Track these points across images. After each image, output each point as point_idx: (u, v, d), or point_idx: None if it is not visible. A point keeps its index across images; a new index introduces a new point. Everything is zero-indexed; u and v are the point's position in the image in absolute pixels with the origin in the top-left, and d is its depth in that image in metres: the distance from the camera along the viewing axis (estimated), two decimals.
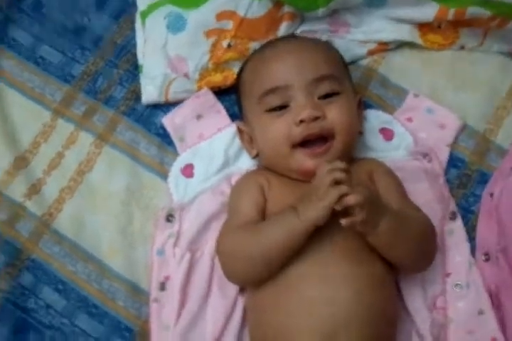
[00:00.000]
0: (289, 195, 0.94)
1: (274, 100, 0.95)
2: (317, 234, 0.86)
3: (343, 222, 0.82)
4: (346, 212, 0.83)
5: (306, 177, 0.93)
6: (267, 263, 0.87)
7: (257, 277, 0.90)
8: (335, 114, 0.94)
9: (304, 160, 0.94)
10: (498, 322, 0.93)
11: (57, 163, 1.10)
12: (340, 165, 0.84)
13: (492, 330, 0.93)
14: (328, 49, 1.03)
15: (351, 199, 0.81)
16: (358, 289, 0.85)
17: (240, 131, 1.04)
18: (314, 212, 0.84)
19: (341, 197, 0.82)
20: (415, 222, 0.90)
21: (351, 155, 1.02)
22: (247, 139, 1.03)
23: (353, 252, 0.88)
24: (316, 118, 0.92)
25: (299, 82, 0.94)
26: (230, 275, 0.93)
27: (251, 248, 0.88)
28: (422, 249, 0.92)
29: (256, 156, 1.04)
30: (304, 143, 0.94)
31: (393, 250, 0.88)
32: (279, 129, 0.94)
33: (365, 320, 0.85)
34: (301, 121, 0.92)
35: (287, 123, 0.94)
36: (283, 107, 0.95)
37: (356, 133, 1.00)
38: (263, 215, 0.94)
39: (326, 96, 0.95)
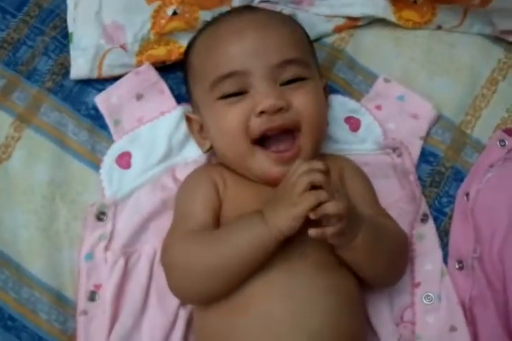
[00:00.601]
0: (248, 196, 0.87)
1: (230, 86, 0.87)
2: (284, 245, 0.78)
3: (313, 232, 0.74)
4: (317, 220, 0.75)
5: (271, 183, 0.86)
6: (227, 278, 0.79)
7: (212, 294, 0.81)
8: (301, 103, 0.86)
9: (268, 166, 0.86)
10: (471, 340, 0.90)
11: None
12: (319, 165, 0.76)
13: None
14: (293, 26, 0.95)
15: (331, 208, 0.74)
16: (326, 311, 0.79)
17: (188, 119, 0.97)
18: (285, 220, 0.75)
19: (319, 204, 0.74)
20: (389, 234, 0.86)
21: (319, 151, 0.95)
22: (198, 129, 0.95)
23: (324, 268, 0.81)
24: (280, 110, 0.84)
25: (259, 67, 0.86)
26: (179, 292, 0.85)
27: (209, 259, 0.79)
28: (395, 264, 0.88)
29: (209, 150, 0.96)
30: (266, 138, 0.87)
31: (365, 265, 0.83)
32: (235, 119, 0.86)
33: (333, 338, 0.79)
34: (262, 112, 0.84)
35: (244, 111, 0.86)
36: (240, 93, 0.87)
37: (325, 126, 0.94)
38: (218, 221, 0.86)
39: (290, 81, 0.87)
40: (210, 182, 0.89)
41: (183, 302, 0.90)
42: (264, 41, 0.87)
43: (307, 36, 0.96)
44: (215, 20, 0.96)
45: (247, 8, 0.99)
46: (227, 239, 0.80)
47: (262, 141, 0.87)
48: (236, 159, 0.89)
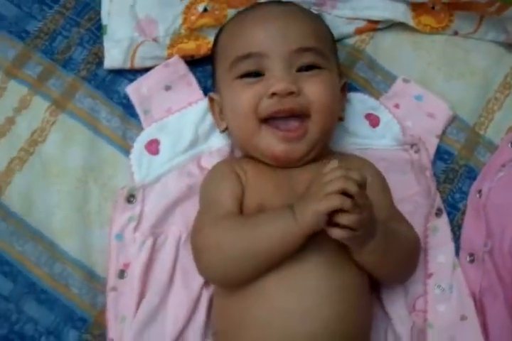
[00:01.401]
0: (268, 184, 0.90)
1: (248, 66, 0.90)
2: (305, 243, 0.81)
3: (333, 232, 0.77)
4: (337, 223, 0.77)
5: (276, 162, 0.90)
6: (254, 265, 0.81)
7: (237, 277, 0.83)
8: (313, 90, 0.89)
9: (273, 142, 0.89)
10: (481, 329, 0.92)
11: (7, 129, 1.03)
12: (357, 176, 0.77)
13: (475, 338, 0.92)
14: (318, 20, 0.98)
15: (344, 219, 0.75)
16: (335, 303, 0.82)
17: (211, 100, 0.99)
18: (311, 215, 0.76)
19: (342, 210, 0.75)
20: (401, 239, 0.87)
21: (329, 146, 0.98)
22: (218, 111, 0.98)
23: (335, 262, 0.83)
24: (291, 93, 0.87)
25: (278, 50, 0.89)
26: (207, 273, 0.87)
27: (239, 245, 0.81)
28: (404, 267, 0.91)
29: (225, 130, 0.99)
30: (275, 119, 0.89)
31: (375, 267, 0.86)
32: (248, 99, 0.89)
33: (342, 336, 0.82)
34: (274, 94, 0.87)
35: (258, 93, 0.89)
36: (257, 75, 0.90)
37: (335, 117, 0.95)
38: (240, 208, 0.89)
39: (308, 69, 0.90)
40: (232, 173, 0.91)
41: (209, 283, 0.92)
42: (286, 28, 0.90)
43: (330, 34, 0.99)
44: (244, 10, 1.00)
45: (276, 1, 1.02)
46: (259, 228, 0.81)
47: (270, 122, 0.89)
48: (245, 137, 0.92)
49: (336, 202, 0.75)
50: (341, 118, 0.99)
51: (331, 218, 0.76)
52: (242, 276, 0.83)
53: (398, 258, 0.86)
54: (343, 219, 0.75)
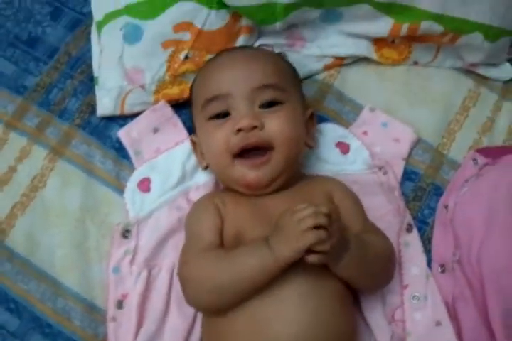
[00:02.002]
0: (244, 212, 0.90)
1: (215, 108, 0.91)
2: None
3: (309, 259, 0.77)
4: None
5: (250, 190, 0.91)
6: (233, 295, 0.81)
7: (219, 306, 0.83)
8: (274, 125, 0.89)
9: (244, 172, 0.90)
10: (455, 333, 0.91)
11: (9, 177, 1.03)
12: (324, 209, 0.78)
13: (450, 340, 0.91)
14: (276, 59, 0.99)
15: (325, 247, 0.77)
16: (315, 309, 0.81)
17: (193, 142, 1.00)
18: (289, 252, 0.77)
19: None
20: (375, 250, 0.87)
21: (300, 169, 0.99)
22: (200, 151, 0.99)
23: (314, 273, 0.82)
24: (255, 128, 0.88)
25: (239, 90, 0.90)
26: (192, 302, 0.87)
27: (218, 277, 0.81)
28: (382, 275, 0.90)
29: (206, 168, 0.99)
30: (245, 153, 0.90)
31: (354, 279, 0.85)
32: (220, 138, 0.90)
33: (321, 339, 0.80)
34: (239, 130, 0.88)
35: (227, 132, 0.90)
36: (226, 115, 0.91)
37: (299, 146, 0.94)
38: (221, 236, 0.88)
39: (270, 105, 0.91)
40: (212, 206, 0.91)
41: (196, 310, 0.91)
42: (247, 69, 0.92)
43: (292, 69, 1.00)
44: (213, 58, 1.01)
45: (239, 47, 1.04)
46: (237, 261, 0.81)
47: (241, 154, 0.90)
48: (221, 171, 0.93)
49: (314, 238, 0.76)
50: (310, 146, 0.99)
51: None
52: (224, 304, 0.82)
53: (374, 267, 0.86)
54: (318, 248, 0.76)
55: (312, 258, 0.77)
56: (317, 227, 0.76)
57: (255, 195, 0.92)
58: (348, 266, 0.82)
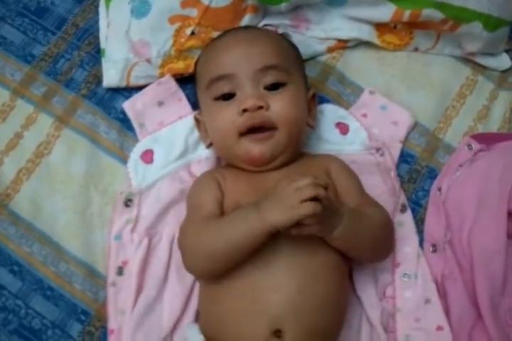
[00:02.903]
0: (244, 186, 0.91)
1: (221, 88, 0.92)
2: None
3: (294, 231, 0.78)
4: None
5: (254, 164, 0.91)
6: (225, 260, 0.82)
7: (214, 271, 0.85)
8: (278, 106, 0.90)
9: (249, 146, 0.90)
10: (443, 311, 0.93)
11: (16, 143, 1.03)
12: (323, 182, 0.78)
13: (438, 318, 0.92)
14: (280, 40, 0.99)
15: (313, 221, 0.77)
16: (305, 277, 0.82)
17: (196, 120, 1.00)
18: (280, 218, 0.77)
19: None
20: (373, 221, 0.87)
21: (301, 148, 0.99)
22: (203, 129, 0.99)
23: (305, 241, 0.83)
24: (260, 108, 0.89)
25: (244, 71, 0.90)
26: (190, 269, 0.88)
27: (213, 242, 0.82)
28: (380, 246, 0.91)
29: (210, 146, 1.00)
30: (250, 131, 0.90)
31: (350, 249, 0.86)
32: (225, 118, 0.91)
33: (311, 307, 0.81)
34: (245, 111, 0.89)
35: (233, 112, 0.90)
36: (231, 96, 0.91)
37: (301, 126, 0.95)
38: (222, 209, 0.90)
39: (274, 86, 0.91)
40: (213, 181, 0.92)
41: (194, 276, 0.92)
42: (251, 50, 0.92)
43: (295, 50, 1.00)
44: (217, 37, 1.01)
45: (244, 27, 1.04)
46: (227, 228, 0.82)
47: (247, 132, 0.90)
48: (226, 148, 0.93)
49: (310, 210, 0.76)
50: (311, 126, 1.00)
51: None
52: (219, 270, 0.84)
53: (370, 237, 0.87)
54: (307, 220, 0.77)
55: (297, 231, 0.78)
56: (313, 199, 0.76)
57: (257, 171, 0.93)
58: (343, 237, 0.82)
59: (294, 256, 0.83)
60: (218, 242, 0.82)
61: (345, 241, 0.84)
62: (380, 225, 0.89)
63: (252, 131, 0.90)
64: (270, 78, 0.91)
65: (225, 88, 0.91)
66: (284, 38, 1.03)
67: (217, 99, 0.93)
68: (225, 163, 1.01)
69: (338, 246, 0.85)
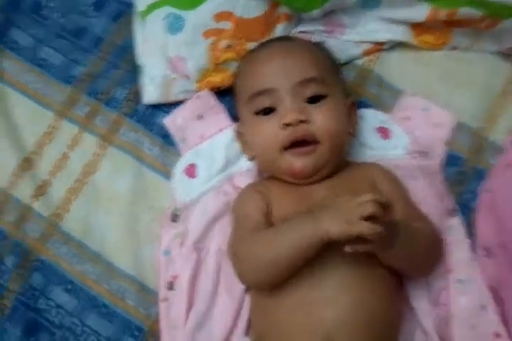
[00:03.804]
0: (288, 198, 0.90)
1: (262, 102, 0.91)
2: None
3: (348, 248, 0.76)
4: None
5: (296, 177, 0.90)
6: (280, 270, 0.81)
7: (270, 282, 0.83)
8: (319, 119, 0.89)
9: (292, 160, 0.89)
10: (500, 317, 0.89)
11: (63, 164, 1.05)
12: (383, 200, 0.77)
13: (494, 325, 0.89)
14: (316, 50, 0.98)
15: (374, 238, 0.75)
16: (358, 291, 0.81)
17: (237, 133, 1.00)
18: (338, 227, 0.75)
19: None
20: (423, 236, 0.85)
21: (344, 157, 0.98)
22: (244, 141, 0.98)
23: (358, 259, 0.81)
24: (302, 122, 0.88)
25: (284, 84, 0.90)
26: (243, 280, 0.88)
27: (264, 255, 0.81)
28: (431, 262, 0.89)
29: (253, 159, 0.99)
30: (292, 145, 0.89)
31: (402, 267, 0.85)
32: (267, 133, 0.90)
33: (365, 322, 0.80)
34: (287, 125, 0.88)
35: (274, 126, 0.89)
36: (272, 110, 0.91)
37: (344, 138, 0.94)
38: (269, 220, 0.88)
39: (314, 99, 0.90)
40: (256, 193, 0.91)
41: (248, 288, 0.92)
42: (289, 63, 0.91)
43: (331, 58, 0.99)
44: (253, 50, 1.00)
45: (279, 38, 1.03)
46: (279, 237, 0.81)
47: (290, 146, 0.89)
48: (269, 163, 0.92)
49: (367, 229, 0.74)
50: (352, 134, 0.98)
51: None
52: (273, 280, 0.83)
53: (422, 255, 0.85)
54: (368, 238, 0.75)
55: (352, 248, 0.75)
56: (372, 217, 0.74)
57: (300, 183, 0.92)
58: (398, 255, 0.80)
59: (346, 270, 0.81)
60: (270, 252, 0.81)
61: (399, 258, 0.82)
62: (430, 240, 0.87)
63: (294, 144, 0.89)
64: (310, 91, 0.90)
65: (265, 102, 0.91)
66: (320, 46, 1.02)
67: (257, 113, 0.92)
68: (268, 176, 1.00)
69: (391, 264, 0.83)
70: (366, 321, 0.80)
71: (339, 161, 0.94)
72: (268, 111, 0.91)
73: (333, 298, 0.80)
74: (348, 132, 0.96)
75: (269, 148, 0.90)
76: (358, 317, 0.79)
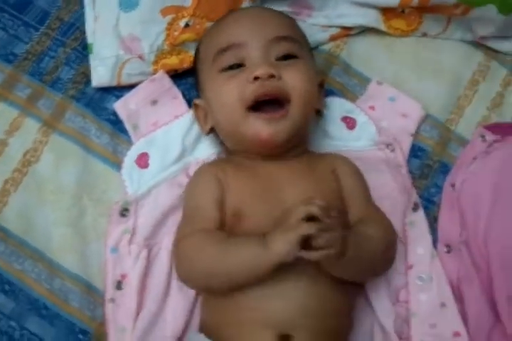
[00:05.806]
0: (247, 180, 0.84)
1: (229, 58, 0.85)
2: None
3: (312, 255, 0.71)
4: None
5: (264, 148, 0.83)
6: (225, 284, 0.77)
7: (209, 289, 0.80)
8: (292, 77, 0.82)
9: (259, 125, 0.82)
10: (459, 315, 0.87)
11: (0, 151, 0.95)
12: (320, 202, 0.72)
13: (454, 323, 0.86)
14: (290, 18, 0.93)
15: (326, 239, 0.71)
16: (309, 284, 0.77)
17: (195, 107, 0.92)
18: (281, 244, 0.71)
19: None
20: (374, 247, 0.80)
21: (307, 140, 0.92)
22: (203, 115, 0.91)
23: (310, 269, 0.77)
24: (272, 76, 0.81)
25: (255, 40, 0.84)
26: (183, 280, 0.82)
27: (212, 267, 0.76)
28: (379, 268, 0.84)
29: (209, 133, 0.92)
30: (259, 107, 0.82)
31: (350, 277, 0.80)
32: (233, 88, 0.82)
33: (316, 312, 0.76)
34: (256, 78, 0.81)
35: (241, 82, 0.82)
36: (239, 66, 0.84)
37: (313, 104, 0.87)
38: (222, 210, 0.82)
39: (285, 58, 0.84)
40: (212, 177, 0.84)
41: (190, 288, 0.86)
42: (262, 20, 0.86)
43: (303, 32, 0.93)
44: (222, 16, 0.93)
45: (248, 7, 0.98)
46: (230, 254, 0.75)
47: (256, 108, 0.82)
48: (233, 128, 0.84)
49: (304, 228, 0.70)
50: (320, 113, 0.92)
51: (306, 245, 0.71)
52: (213, 288, 0.79)
53: (370, 263, 0.80)
54: (319, 241, 0.70)
55: (315, 255, 0.70)
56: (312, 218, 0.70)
57: (262, 159, 0.85)
58: (344, 268, 0.76)
59: (298, 266, 0.75)
60: (219, 266, 0.76)
61: (346, 270, 0.77)
62: (382, 248, 0.81)
63: (260, 106, 0.82)
64: (283, 49, 0.84)
65: (233, 58, 0.84)
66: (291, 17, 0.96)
67: (224, 70, 0.85)
68: (226, 155, 0.93)
69: (338, 275, 0.78)
70: (317, 311, 0.76)
71: (305, 139, 0.89)
72: (236, 67, 0.84)
73: (284, 290, 0.76)
74: (317, 109, 0.90)
75: (233, 106, 0.82)
76: (309, 307, 0.76)
